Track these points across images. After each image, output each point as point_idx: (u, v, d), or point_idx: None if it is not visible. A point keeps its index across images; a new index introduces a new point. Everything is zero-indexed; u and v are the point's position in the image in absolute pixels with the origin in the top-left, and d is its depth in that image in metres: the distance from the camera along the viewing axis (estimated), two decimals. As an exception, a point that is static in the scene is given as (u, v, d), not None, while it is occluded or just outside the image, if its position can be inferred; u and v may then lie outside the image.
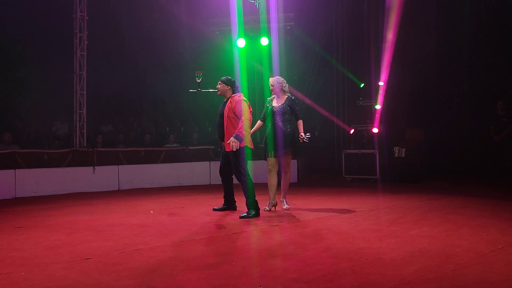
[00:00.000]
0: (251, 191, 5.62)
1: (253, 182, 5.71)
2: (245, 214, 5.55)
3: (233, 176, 6.00)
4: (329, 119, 12.59)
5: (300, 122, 6.05)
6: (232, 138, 5.57)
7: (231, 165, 5.79)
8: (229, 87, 5.91)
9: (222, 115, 5.84)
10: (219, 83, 5.95)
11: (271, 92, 6.24)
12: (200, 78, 6.05)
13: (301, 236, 4.48)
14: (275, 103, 6.14)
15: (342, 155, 10.38)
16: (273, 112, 6.08)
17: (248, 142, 5.71)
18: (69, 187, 8.94)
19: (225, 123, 5.76)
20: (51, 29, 11.57)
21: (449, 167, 10.83)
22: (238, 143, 5.57)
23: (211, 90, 6.12)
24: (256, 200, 5.65)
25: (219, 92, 5.96)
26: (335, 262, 3.50)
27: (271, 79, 6.22)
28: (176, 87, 14.09)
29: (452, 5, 11.41)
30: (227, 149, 5.71)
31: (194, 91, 6.15)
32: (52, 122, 12.29)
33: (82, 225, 5.27)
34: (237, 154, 5.64)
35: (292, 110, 6.07)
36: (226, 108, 5.78)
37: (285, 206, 6.23)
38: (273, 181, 6.06)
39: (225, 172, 6.07)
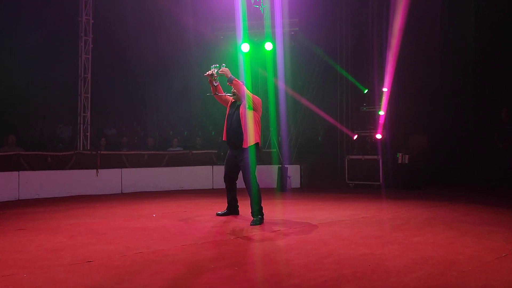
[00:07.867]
0: (259, 196, 5.58)
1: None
2: (253, 221, 5.44)
3: (237, 182, 5.98)
4: (333, 124, 12.60)
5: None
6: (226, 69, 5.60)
7: (242, 169, 5.69)
8: None
9: (237, 118, 5.65)
10: None
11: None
12: (217, 81, 5.87)
13: (304, 242, 4.46)
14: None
15: (346, 160, 10.37)
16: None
17: (258, 139, 5.65)
18: (72, 190, 8.97)
19: (243, 124, 5.58)
20: (56, 31, 11.64)
21: (452, 174, 10.78)
22: (227, 71, 5.59)
23: (227, 95, 5.92)
24: (261, 206, 5.63)
25: (234, 96, 5.81)
26: (338, 268, 3.48)
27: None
28: (180, 91, 14.14)
29: (457, 11, 11.39)
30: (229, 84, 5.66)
31: (210, 95, 6.00)
32: (56, 124, 12.33)
33: (84, 228, 5.27)
34: (248, 159, 5.56)
35: None
36: (242, 111, 5.62)
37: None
38: None
39: (229, 178, 6.01)
